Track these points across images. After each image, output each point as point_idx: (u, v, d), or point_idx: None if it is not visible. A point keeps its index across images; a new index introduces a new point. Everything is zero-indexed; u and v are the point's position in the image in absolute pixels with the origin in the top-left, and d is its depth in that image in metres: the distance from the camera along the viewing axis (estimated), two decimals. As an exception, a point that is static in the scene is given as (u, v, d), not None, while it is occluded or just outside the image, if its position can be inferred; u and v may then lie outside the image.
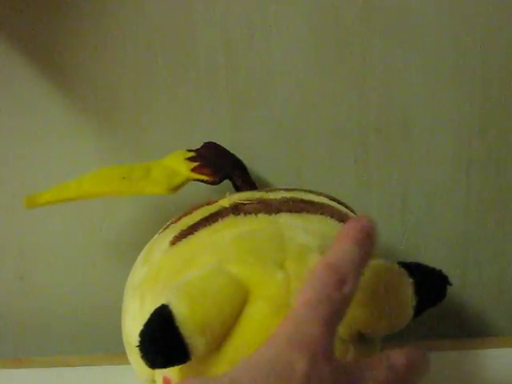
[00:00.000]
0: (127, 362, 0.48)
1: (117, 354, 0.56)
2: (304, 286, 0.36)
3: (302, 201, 0.48)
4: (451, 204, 0.64)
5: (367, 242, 0.37)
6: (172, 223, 0.49)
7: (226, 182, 0.54)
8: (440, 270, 0.41)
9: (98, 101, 0.61)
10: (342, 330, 0.39)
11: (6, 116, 0.61)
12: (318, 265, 0.36)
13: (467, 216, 0.64)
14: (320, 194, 0.51)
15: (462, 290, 0.66)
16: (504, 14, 0.60)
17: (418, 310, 0.40)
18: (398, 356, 0.37)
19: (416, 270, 0.40)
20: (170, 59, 0.60)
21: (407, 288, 0.40)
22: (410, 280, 0.40)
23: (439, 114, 0.62)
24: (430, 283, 0.40)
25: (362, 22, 0.59)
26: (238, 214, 0.46)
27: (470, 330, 0.67)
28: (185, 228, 0.47)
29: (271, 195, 0.49)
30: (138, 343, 0.37)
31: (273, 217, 0.45)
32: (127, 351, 0.48)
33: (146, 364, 0.38)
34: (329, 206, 0.49)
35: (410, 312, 0.40)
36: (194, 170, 0.53)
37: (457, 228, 0.65)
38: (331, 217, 0.47)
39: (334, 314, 0.35)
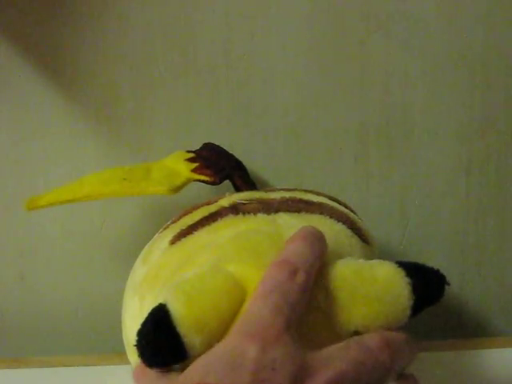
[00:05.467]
0: (127, 362, 0.48)
1: (117, 354, 0.56)
2: (257, 285, 0.37)
3: (302, 201, 0.48)
4: (451, 204, 0.64)
5: (316, 241, 0.39)
6: (172, 223, 0.49)
7: (226, 182, 0.54)
8: (438, 270, 0.41)
9: (97, 100, 0.61)
10: (338, 329, 0.39)
11: (5, 116, 0.61)
12: (270, 265, 0.38)
13: (467, 216, 0.64)
14: (320, 194, 0.51)
15: (461, 290, 0.66)
16: (505, 15, 0.60)
17: (416, 310, 0.40)
18: (372, 336, 0.37)
19: (413, 270, 0.41)
20: (170, 59, 0.60)
21: (404, 287, 0.40)
22: (407, 279, 0.40)
23: (439, 114, 0.62)
24: (427, 283, 0.40)
25: (362, 22, 0.59)
26: (238, 213, 0.46)
27: (470, 329, 0.67)
28: (184, 227, 0.47)
29: (271, 195, 0.49)
30: (135, 342, 0.37)
31: (272, 216, 0.45)
32: (127, 351, 0.48)
33: (144, 363, 0.38)
34: (328, 205, 0.49)
35: (407, 312, 0.40)
36: (194, 170, 0.53)
37: (457, 228, 0.65)
38: (330, 217, 0.47)
39: (287, 303, 0.36)
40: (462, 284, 0.66)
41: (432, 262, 0.63)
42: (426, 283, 0.40)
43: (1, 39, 0.59)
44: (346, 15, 0.59)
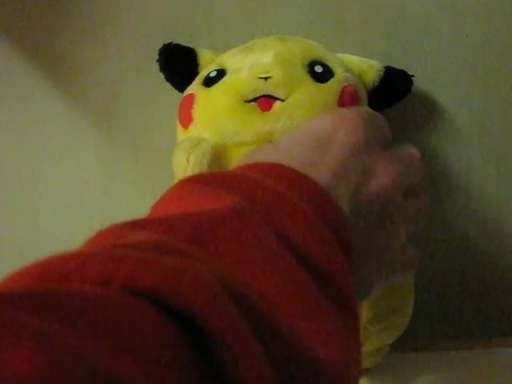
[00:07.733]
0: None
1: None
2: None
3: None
4: (452, 205, 0.64)
5: None
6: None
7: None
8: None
9: (97, 101, 0.61)
10: None
11: (5, 116, 0.61)
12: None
13: (467, 216, 0.64)
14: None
15: (462, 290, 0.66)
16: (504, 15, 0.60)
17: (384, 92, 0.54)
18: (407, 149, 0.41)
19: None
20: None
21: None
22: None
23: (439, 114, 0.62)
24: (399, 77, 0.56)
25: (362, 21, 0.59)
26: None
27: (470, 330, 0.67)
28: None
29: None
30: None
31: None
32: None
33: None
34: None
35: (377, 78, 0.54)
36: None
37: (457, 228, 0.65)
38: None
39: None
40: (463, 284, 0.66)
41: (432, 262, 0.63)
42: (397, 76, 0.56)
43: (1, 39, 0.59)
44: (346, 15, 0.59)
